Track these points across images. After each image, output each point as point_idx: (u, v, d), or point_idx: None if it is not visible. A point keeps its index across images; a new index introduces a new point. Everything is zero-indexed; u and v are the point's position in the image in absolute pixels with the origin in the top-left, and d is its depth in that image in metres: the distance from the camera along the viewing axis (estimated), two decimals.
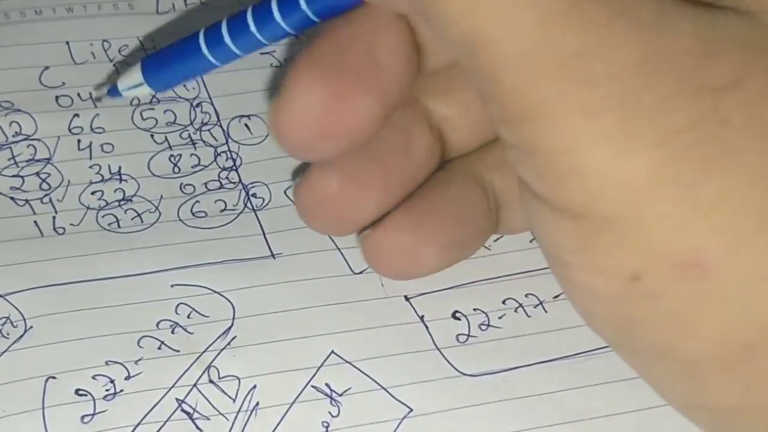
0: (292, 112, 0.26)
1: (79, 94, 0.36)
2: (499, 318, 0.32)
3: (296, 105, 0.26)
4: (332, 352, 0.30)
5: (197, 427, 0.29)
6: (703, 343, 0.20)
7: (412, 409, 0.30)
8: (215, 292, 0.31)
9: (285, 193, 0.34)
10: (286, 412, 0.29)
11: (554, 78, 0.19)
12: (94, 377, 0.29)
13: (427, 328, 0.31)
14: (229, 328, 0.31)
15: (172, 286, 0.31)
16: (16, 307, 0.30)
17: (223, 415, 0.29)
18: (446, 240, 0.29)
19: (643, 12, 0.19)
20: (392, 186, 0.29)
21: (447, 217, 0.29)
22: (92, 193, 0.34)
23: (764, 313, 0.19)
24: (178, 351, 0.30)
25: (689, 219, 0.19)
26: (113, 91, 0.31)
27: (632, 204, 0.19)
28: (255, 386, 0.29)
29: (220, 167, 0.35)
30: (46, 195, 0.33)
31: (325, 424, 0.29)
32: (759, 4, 0.20)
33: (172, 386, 0.29)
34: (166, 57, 0.30)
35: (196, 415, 0.29)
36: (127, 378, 0.29)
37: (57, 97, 0.36)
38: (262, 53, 0.37)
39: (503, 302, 0.32)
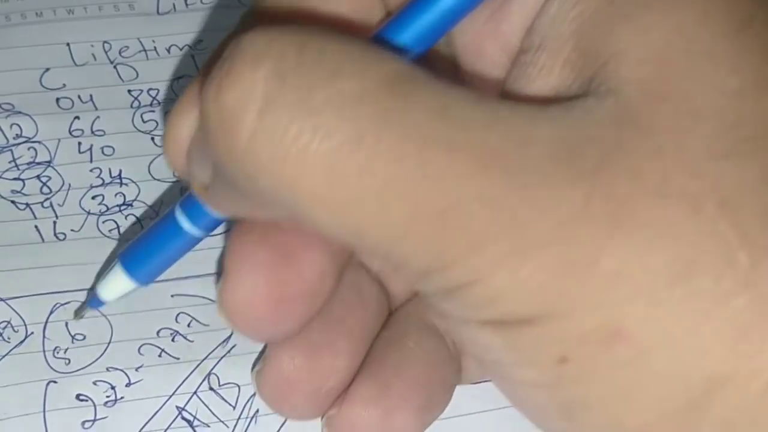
0: (241, 289, 0.25)
1: (79, 96, 0.36)
2: None
3: (244, 278, 0.25)
4: None
5: None
6: (646, 411, 0.20)
7: None
8: (214, 301, 0.31)
9: None
10: (286, 420, 0.29)
11: (440, 232, 0.19)
12: (95, 383, 0.30)
13: None
14: (229, 336, 0.31)
15: (171, 296, 0.31)
16: (17, 312, 0.31)
17: (223, 422, 0.29)
18: (417, 402, 0.27)
19: (504, 143, 0.19)
20: (358, 344, 0.27)
21: (413, 376, 0.27)
22: (93, 198, 0.34)
23: (697, 368, 0.19)
24: (178, 359, 0.30)
25: (598, 294, 0.19)
26: (94, 302, 0.29)
27: (541, 300, 0.19)
28: (255, 393, 0.29)
29: None
30: (47, 199, 0.33)
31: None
32: (614, 81, 0.20)
33: (173, 393, 0.30)
34: (144, 245, 0.27)
35: (196, 423, 0.29)
36: (128, 385, 0.30)
37: (58, 99, 0.36)
38: None
39: None
